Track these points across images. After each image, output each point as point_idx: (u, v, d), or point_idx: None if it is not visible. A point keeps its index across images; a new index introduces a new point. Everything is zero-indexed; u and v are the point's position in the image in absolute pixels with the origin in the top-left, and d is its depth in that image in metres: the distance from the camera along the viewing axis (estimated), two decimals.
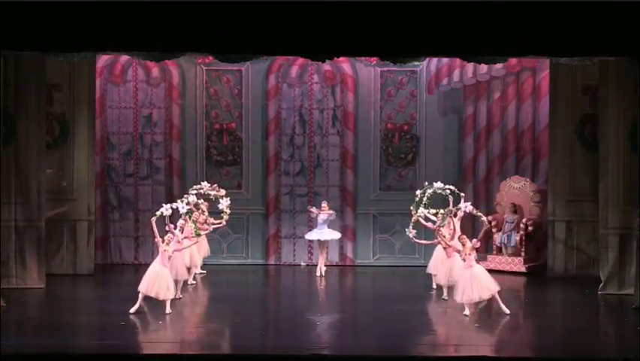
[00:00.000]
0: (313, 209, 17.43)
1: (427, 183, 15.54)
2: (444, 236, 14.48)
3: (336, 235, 17.56)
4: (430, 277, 15.76)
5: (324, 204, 17.36)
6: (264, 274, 17.85)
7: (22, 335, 12.60)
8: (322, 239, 17.41)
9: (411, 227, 14.41)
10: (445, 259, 14.94)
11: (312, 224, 17.90)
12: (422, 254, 18.02)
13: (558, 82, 16.74)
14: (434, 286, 15.52)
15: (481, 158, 18.59)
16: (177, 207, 14.18)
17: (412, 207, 15.09)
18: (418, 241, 14.67)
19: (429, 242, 14.99)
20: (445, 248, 14.73)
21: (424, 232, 15.55)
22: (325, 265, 17.50)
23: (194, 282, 16.39)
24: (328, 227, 17.40)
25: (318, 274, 17.23)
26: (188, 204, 14.44)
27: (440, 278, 15.19)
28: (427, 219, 15.00)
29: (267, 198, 18.61)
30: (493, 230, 17.74)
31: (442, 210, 14.68)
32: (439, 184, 15.32)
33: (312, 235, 17.51)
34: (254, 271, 18.05)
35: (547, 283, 15.52)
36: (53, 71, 16.20)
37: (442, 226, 14.47)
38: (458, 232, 14.30)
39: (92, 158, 17.23)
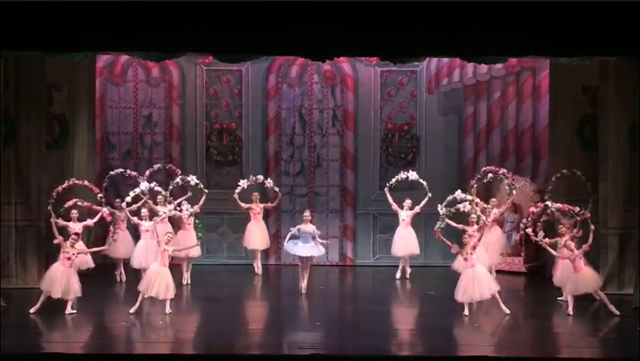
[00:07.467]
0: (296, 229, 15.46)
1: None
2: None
3: (319, 250, 15.43)
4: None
5: (307, 214, 15.64)
6: (264, 274, 17.81)
7: (23, 335, 12.60)
8: (302, 255, 15.44)
9: (439, 224, 13.88)
10: None
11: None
12: (422, 254, 18.01)
13: (558, 82, 16.72)
14: None
15: (481, 158, 18.58)
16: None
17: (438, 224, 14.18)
18: (445, 240, 13.95)
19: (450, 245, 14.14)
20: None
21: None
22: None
23: (188, 283, 16.32)
24: (313, 239, 15.34)
25: (303, 292, 15.42)
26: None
27: None
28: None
29: (267, 198, 18.59)
30: None
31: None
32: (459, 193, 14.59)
33: (294, 250, 15.46)
34: (254, 271, 18.02)
35: (547, 283, 15.48)
36: (53, 71, 16.17)
37: (442, 228, 14.28)
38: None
39: (92, 158, 17.25)
